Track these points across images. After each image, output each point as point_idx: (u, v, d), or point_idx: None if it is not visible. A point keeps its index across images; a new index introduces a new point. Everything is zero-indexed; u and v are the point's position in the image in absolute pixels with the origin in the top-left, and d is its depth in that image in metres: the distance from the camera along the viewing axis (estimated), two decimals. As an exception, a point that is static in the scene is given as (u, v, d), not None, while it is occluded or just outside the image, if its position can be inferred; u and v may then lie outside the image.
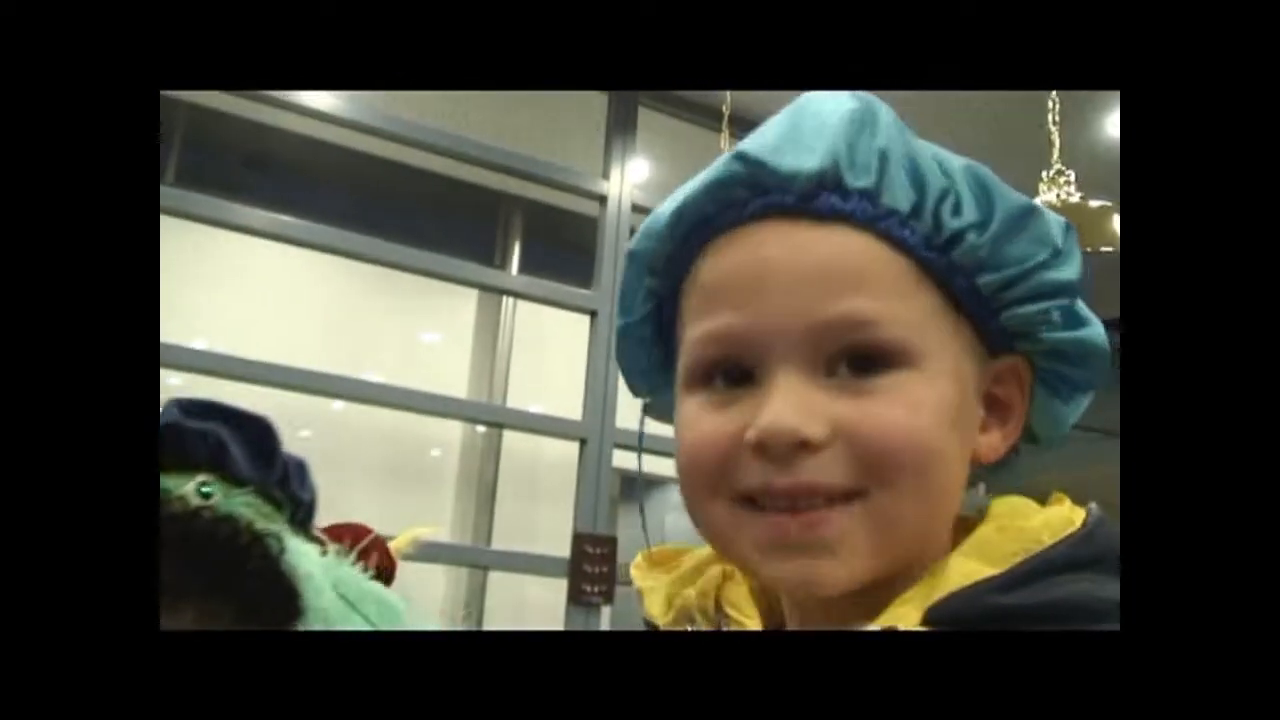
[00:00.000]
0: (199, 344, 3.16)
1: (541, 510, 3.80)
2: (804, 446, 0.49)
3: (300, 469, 1.00)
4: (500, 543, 3.88)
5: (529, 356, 4.09)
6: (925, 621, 0.47)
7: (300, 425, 3.69)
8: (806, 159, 0.51)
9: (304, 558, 0.95)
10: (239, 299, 3.74)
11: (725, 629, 0.54)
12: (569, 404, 3.06)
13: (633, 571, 0.60)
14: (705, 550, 0.58)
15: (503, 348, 4.14)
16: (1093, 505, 0.53)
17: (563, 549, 2.87)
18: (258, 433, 0.95)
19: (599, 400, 2.91)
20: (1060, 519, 0.51)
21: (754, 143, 0.53)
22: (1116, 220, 2.09)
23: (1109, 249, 2.04)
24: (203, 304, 3.67)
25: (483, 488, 4.05)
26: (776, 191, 0.51)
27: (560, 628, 2.83)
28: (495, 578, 3.85)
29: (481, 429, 4.10)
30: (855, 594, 0.51)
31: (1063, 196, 2.11)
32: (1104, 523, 0.52)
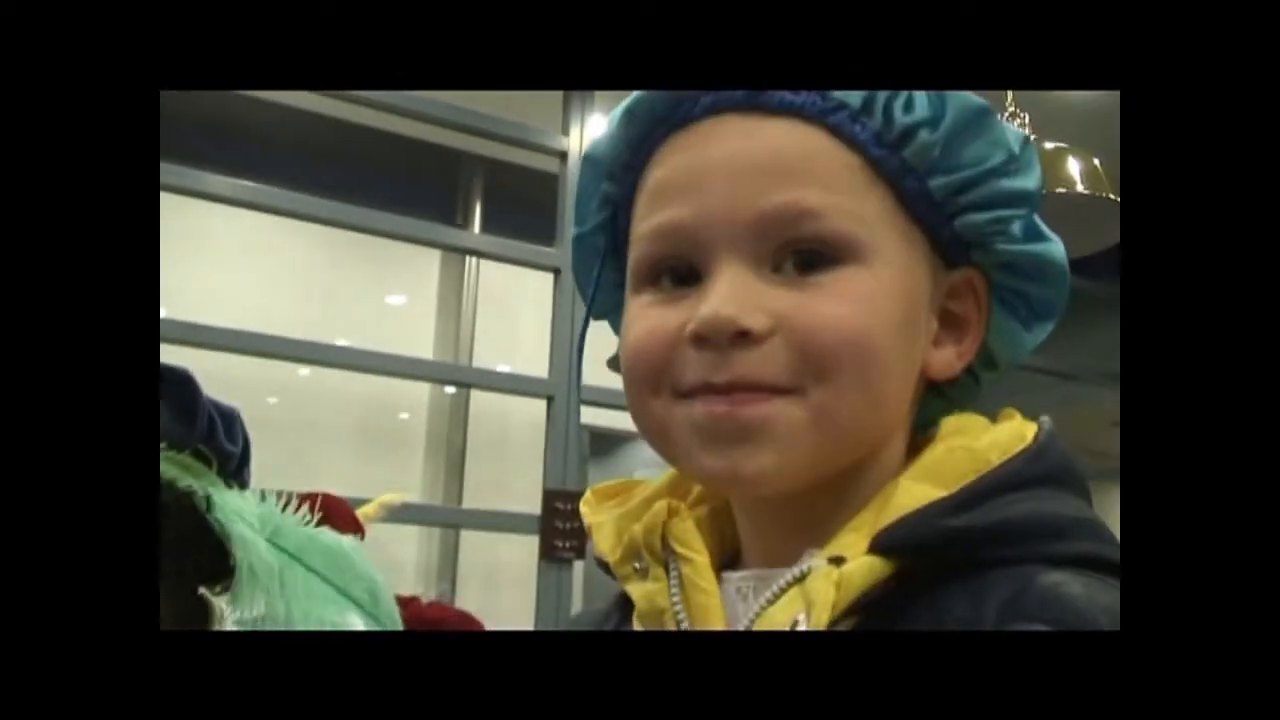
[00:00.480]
0: (163, 313, 3.13)
1: (512, 470, 3.81)
2: (743, 337, 0.48)
3: (230, 419, 0.96)
4: (471, 504, 3.89)
5: (494, 316, 4.08)
6: (874, 547, 0.46)
7: (268, 392, 3.68)
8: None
9: (232, 513, 0.93)
10: (202, 267, 3.69)
11: (672, 565, 0.52)
12: (535, 363, 3.06)
13: (582, 508, 0.58)
14: (655, 482, 0.57)
15: (467, 308, 4.13)
16: (1044, 419, 0.52)
17: (534, 508, 2.88)
18: (176, 386, 0.91)
19: (565, 357, 2.91)
20: (1010, 435, 0.50)
21: None
22: (1072, 162, 2.11)
23: (1063, 190, 2.06)
24: (165, 273, 3.62)
25: (452, 450, 4.05)
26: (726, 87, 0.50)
27: (533, 585, 2.85)
28: (467, 539, 3.86)
29: (450, 391, 4.10)
30: (804, 517, 0.50)
31: (1018, 139, 2.12)
32: (1055, 437, 0.51)
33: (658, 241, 0.51)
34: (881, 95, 0.50)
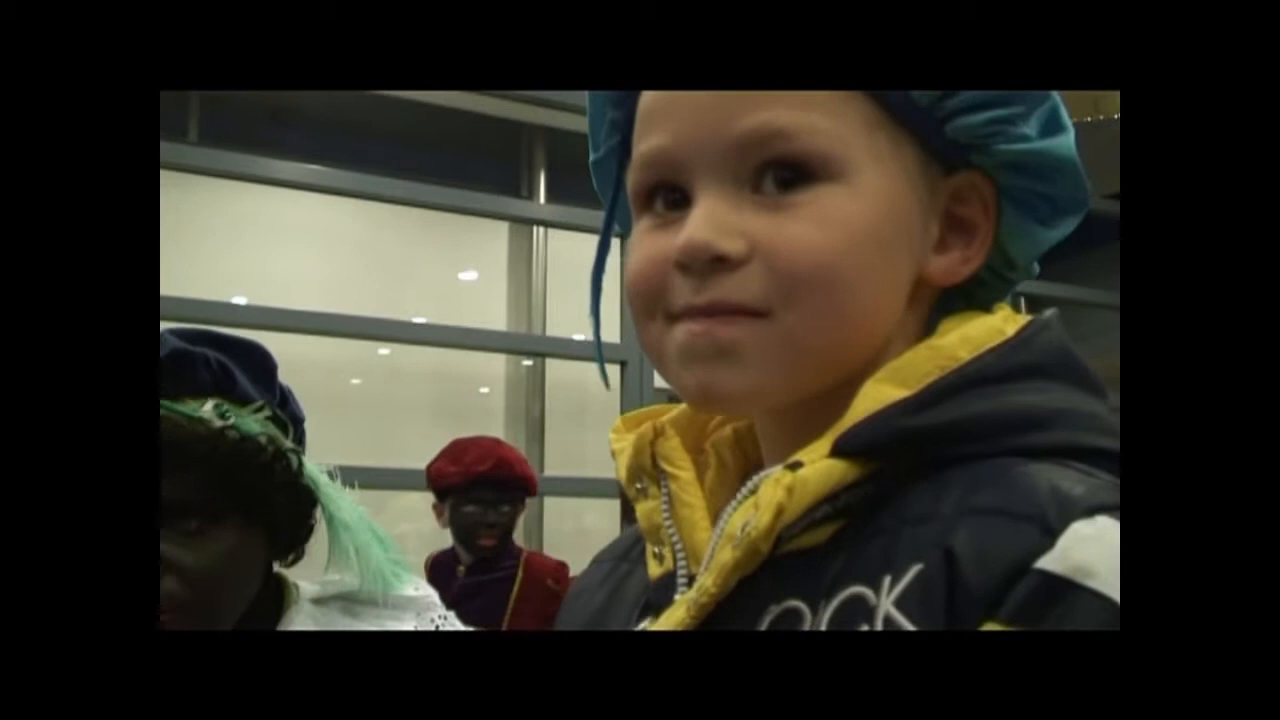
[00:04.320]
0: (240, 299, 3.20)
1: (590, 438, 3.84)
2: (721, 262, 0.48)
3: (290, 392, 1.01)
4: (552, 472, 3.94)
5: (564, 285, 4.10)
6: (834, 451, 0.46)
7: (350, 373, 3.75)
8: None
9: (319, 473, 0.98)
10: (277, 253, 3.77)
11: (664, 484, 0.54)
12: (608, 328, 3.07)
13: (610, 435, 0.59)
14: (678, 407, 0.57)
15: (538, 279, 4.15)
16: (1047, 313, 0.51)
17: (613, 473, 2.90)
18: (257, 357, 0.96)
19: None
20: (984, 331, 0.49)
21: None
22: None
23: (1104, 118, 1.99)
24: (241, 260, 3.71)
25: (530, 420, 4.09)
26: None
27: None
28: (551, 506, 3.91)
29: (526, 362, 4.14)
30: (805, 428, 0.49)
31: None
32: (1048, 328, 0.50)
33: (647, 169, 0.52)
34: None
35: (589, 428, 3.92)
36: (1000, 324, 0.50)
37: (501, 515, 2.42)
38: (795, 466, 0.47)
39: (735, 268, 0.48)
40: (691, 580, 0.51)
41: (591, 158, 0.59)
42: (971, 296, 0.54)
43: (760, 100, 0.48)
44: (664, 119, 0.51)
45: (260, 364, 0.97)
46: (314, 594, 1.02)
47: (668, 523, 0.53)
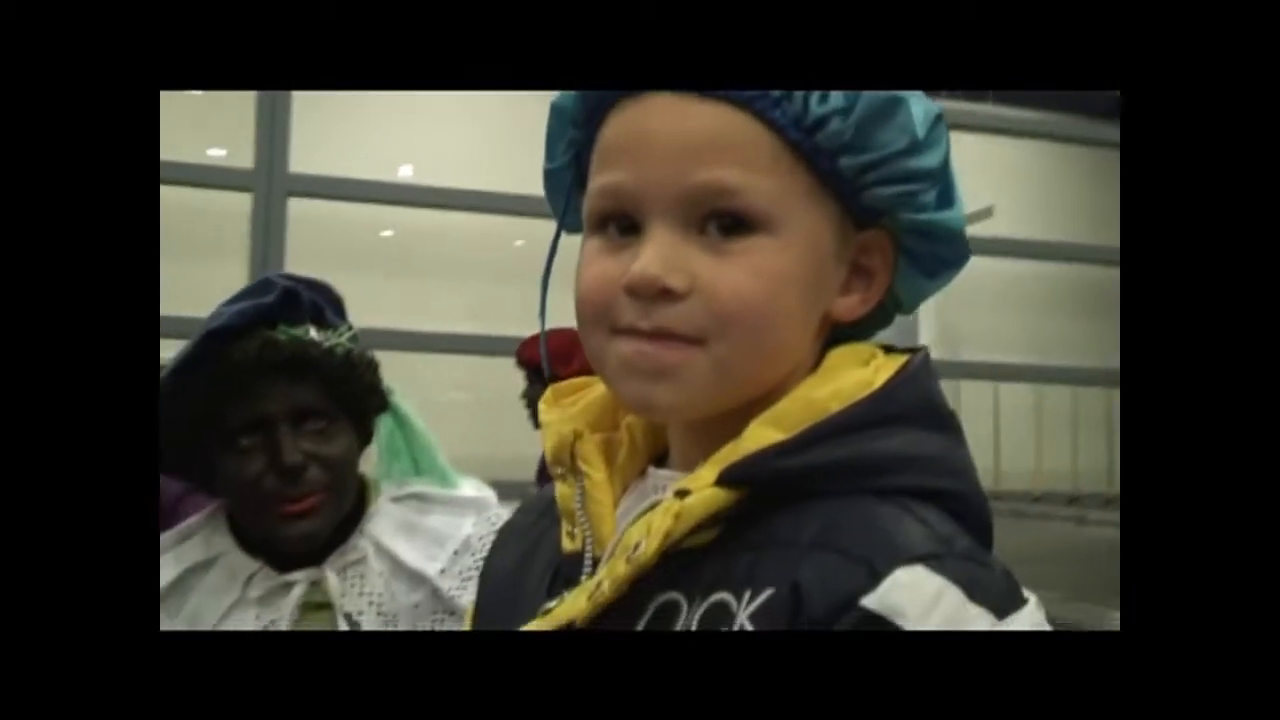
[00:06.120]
0: (407, 169, 3.31)
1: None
2: (665, 294, 0.57)
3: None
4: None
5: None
6: (717, 481, 0.56)
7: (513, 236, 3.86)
8: None
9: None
10: (441, 128, 3.90)
11: (580, 480, 0.63)
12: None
13: (540, 404, 0.68)
14: (596, 389, 0.67)
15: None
16: (915, 356, 0.60)
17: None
18: (333, 293, 1.17)
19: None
20: (853, 385, 0.58)
21: None
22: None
23: None
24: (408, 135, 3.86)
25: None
26: None
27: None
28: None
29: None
30: (711, 434, 0.59)
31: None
32: (914, 379, 0.59)
33: (605, 199, 0.60)
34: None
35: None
36: (870, 375, 0.59)
37: None
38: (683, 494, 0.56)
39: (677, 300, 0.57)
40: (595, 563, 0.61)
41: (546, 166, 0.67)
42: (858, 326, 0.64)
43: (712, 159, 0.57)
44: (629, 158, 0.59)
45: (335, 298, 1.16)
46: (393, 493, 1.18)
47: (580, 514, 0.63)
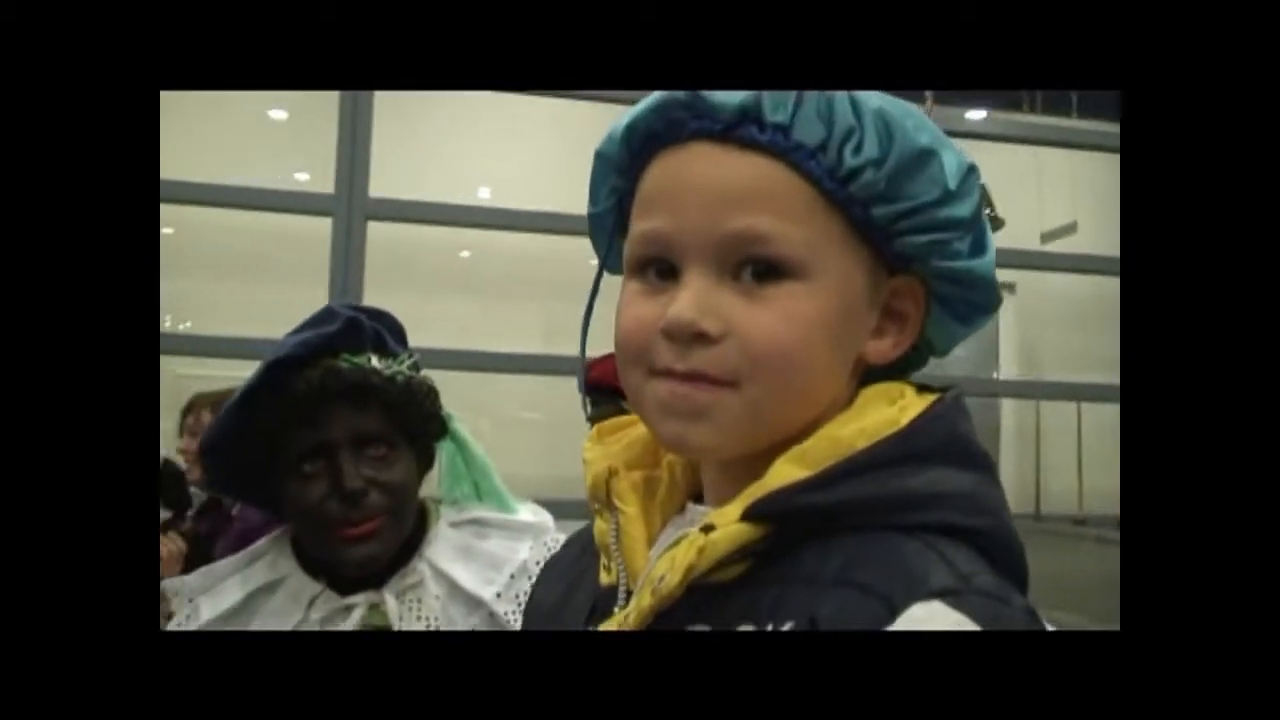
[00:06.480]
0: (485, 192, 3.35)
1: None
2: (700, 337, 0.59)
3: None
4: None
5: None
6: (743, 516, 0.57)
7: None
8: (734, 93, 0.60)
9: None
10: (516, 147, 3.96)
11: (615, 515, 0.66)
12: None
13: (584, 443, 0.70)
14: (638, 428, 0.69)
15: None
16: (947, 396, 0.61)
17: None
18: (395, 321, 1.20)
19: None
20: (879, 423, 0.60)
21: None
22: None
23: None
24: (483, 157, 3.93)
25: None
26: (708, 118, 0.60)
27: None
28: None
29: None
30: (745, 471, 0.60)
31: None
32: (940, 418, 0.60)
33: (645, 245, 0.63)
34: (836, 137, 0.60)
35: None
36: (896, 415, 0.60)
37: None
38: (709, 529, 0.58)
39: (712, 343, 0.59)
40: (629, 596, 0.63)
41: (589, 210, 0.69)
42: (893, 368, 0.65)
43: (748, 207, 0.59)
44: (668, 205, 0.61)
45: (397, 327, 1.20)
46: (451, 518, 1.20)
47: (615, 547, 0.65)
